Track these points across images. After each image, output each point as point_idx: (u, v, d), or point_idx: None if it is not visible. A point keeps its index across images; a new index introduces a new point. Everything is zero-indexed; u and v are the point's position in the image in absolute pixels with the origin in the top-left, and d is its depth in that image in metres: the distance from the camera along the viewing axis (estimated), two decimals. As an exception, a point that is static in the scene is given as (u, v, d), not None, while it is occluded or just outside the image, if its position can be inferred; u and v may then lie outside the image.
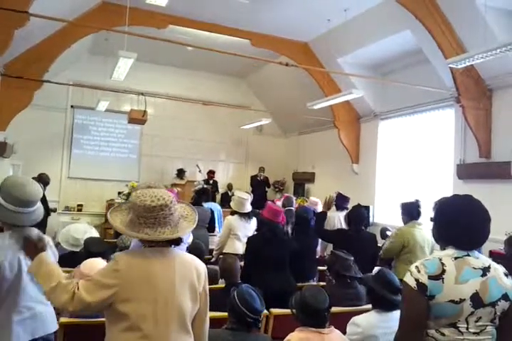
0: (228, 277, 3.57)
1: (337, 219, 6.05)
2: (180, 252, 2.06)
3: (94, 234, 4.53)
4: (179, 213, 2.04)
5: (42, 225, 7.15)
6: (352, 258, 3.55)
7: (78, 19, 7.15)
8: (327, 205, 4.76)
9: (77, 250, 4.20)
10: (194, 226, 2.07)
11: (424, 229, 4.56)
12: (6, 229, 2.40)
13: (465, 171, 6.78)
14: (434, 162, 7.65)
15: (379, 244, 4.90)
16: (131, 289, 1.85)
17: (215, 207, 7.06)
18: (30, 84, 7.21)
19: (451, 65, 5.41)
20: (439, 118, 7.65)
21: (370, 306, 3.02)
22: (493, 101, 6.53)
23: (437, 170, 7.54)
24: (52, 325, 2.44)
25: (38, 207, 2.42)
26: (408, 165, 8.29)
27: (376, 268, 4.45)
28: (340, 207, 6.15)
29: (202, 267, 2.07)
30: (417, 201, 4.75)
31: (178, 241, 2.01)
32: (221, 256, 5.53)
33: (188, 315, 1.96)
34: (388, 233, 5.74)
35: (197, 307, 2.01)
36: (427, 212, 6.36)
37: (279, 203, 6.57)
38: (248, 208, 5.55)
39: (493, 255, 5.36)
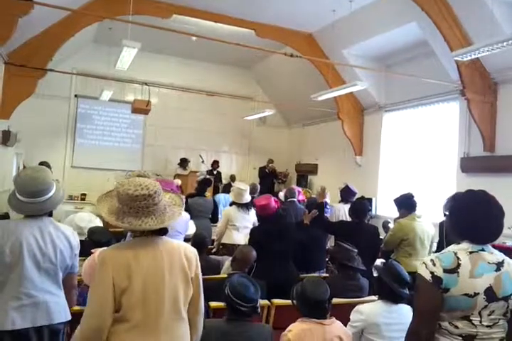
0: (237, 266, 3.57)
1: (342, 211, 6.03)
2: (167, 239, 2.02)
3: (98, 223, 4.55)
4: (165, 203, 2.01)
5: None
6: (356, 250, 3.56)
7: (82, 8, 7.10)
8: (321, 196, 4.74)
9: (82, 239, 4.22)
10: (181, 213, 2.05)
11: (423, 222, 4.55)
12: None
13: (469, 164, 6.77)
14: (437, 155, 7.64)
15: (381, 237, 4.90)
16: (121, 281, 1.85)
17: (230, 198, 7.06)
18: (34, 72, 7.20)
19: (456, 58, 5.38)
20: (443, 111, 7.62)
21: (372, 298, 3.04)
22: (498, 95, 6.51)
23: (441, 163, 7.53)
24: (59, 315, 2.40)
25: (51, 197, 2.41)
26: (412, 158, 8.28)
27: (378, 261, 4.48)
28: (345, 200, 6.13)
29: (191, 252, 2.04)
30: (410, 193, 4.74)
31: (164, 231, 2.00)
32: (220, 247, 5.57)
33: (182, 301, 1.96)
34: (390, 226, 5.75)
35: (191, 293, 2.00)
36: (431, 206, 6.42)
37: (282, 194, 6.56)
38: (247, 199, 5.56)
39: (496, 248, 5.43)
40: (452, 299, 1.78)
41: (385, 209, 8.56)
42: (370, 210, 7.66)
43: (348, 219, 5.21)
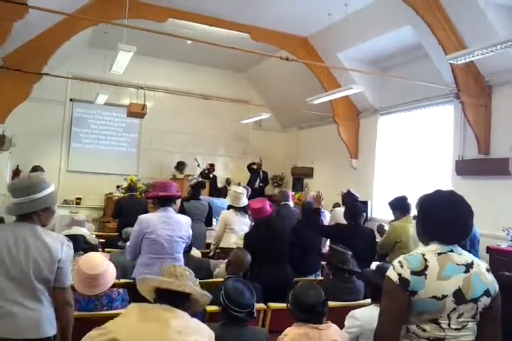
0: (232, 270, 3.55)
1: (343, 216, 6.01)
2: (187, 318, 1.99)
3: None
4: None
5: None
6: (350, 252, 3.55)
7: (77, 12, 7.10)
8: (317, 201, 4.74)
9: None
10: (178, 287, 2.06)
11: None
12: None
13: (464, 167, 6.79)
14: (432, 158, 7.66)
15: (376, 240, 4.89)
16: None
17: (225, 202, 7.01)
18: (29, 76, 7.17)
19: (451, 61, 5.41)
20: (438, 114, 7.65)
21: (368, 301, 3.03)
22: (493, 98, 6.54)
23: (436, 166, 7.55)
24: (29, 332, 2.16)
25: (31, 199, 2.25)
26: (407, 161, 8.30)
27: (374, 263, 4.48)
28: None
29: (202, 332, 2.00)
30: (404, 196, 4.76)
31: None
32: (218, 250, 5.55)
33: None
34: (386, 229, 5.75)
35: None
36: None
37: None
38: (244, 202, 5.53)
39: (491, 251, 5.18)
40: (420, 302, 1.74)
41: (380, 212, 8.57)
42: (366, 212, 7.65)
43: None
